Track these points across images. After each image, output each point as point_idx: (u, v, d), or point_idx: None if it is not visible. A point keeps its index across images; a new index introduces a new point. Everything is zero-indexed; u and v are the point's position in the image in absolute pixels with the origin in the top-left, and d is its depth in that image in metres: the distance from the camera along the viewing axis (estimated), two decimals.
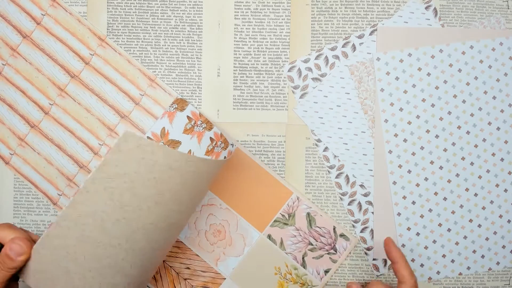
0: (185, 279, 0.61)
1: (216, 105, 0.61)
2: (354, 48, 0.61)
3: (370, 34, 0.60)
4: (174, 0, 0.61)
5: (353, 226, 0.60)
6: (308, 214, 0.60)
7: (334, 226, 0.60)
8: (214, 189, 0.61)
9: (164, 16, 0.61)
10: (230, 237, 0.61)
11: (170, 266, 0.61)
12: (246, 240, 0.61)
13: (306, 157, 0.61)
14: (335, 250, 0.60)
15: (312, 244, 0.60)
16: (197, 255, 0.61)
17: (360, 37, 0.60)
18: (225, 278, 0.60)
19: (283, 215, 0.60)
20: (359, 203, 0.60)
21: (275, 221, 0.60)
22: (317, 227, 0.60)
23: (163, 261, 0.60)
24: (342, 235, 0.60)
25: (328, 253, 0.60)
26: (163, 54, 0.61)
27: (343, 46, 0.61)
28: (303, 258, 0.60)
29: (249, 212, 0.61)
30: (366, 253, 0.60)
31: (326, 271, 0.60)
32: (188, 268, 0.61)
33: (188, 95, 0.61)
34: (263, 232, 0.60)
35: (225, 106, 0.61)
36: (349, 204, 0.60)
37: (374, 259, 0.60)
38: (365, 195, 0.60)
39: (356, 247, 0.60)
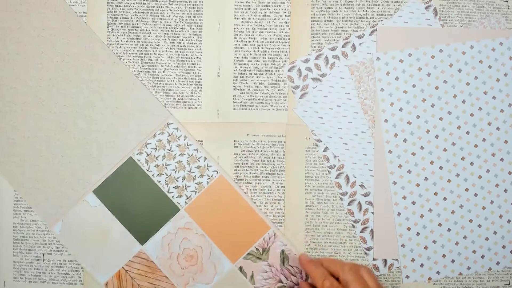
0: None
1: (216, 105, 0.61)
2: (354, 48, 0.61)
3: (370, 34, 0.60)
4: (174, 0, 0.61)
5: (353, 226, 0.60)
6: (283, 251, 0.60)
7: None
8: (192, 213, 0.60)
9: (164, 16, 0.61)
10: (201, 264, 0.60)
11: (138, 284, 0.60)
12: (217, 269, 0.60)
13: (306, 157, 0.61)
14: None
15: (281, 282, 0.60)
16: (166, 277, 0.60)
17: (360, 37, 0.60)
18: None
19: (257, 249, 0.60)
20: (359, 203, 0.60)
21: (248, 254, 0.60)
22: (290, 265, 0.60)
23: (132, 278, 0.60)
24: None
25: None
26: (163, 54, 0.61)
27: (343, 46, 0.61)
28: None
29: (224, 241, 0.60)
30: (366, 253, 0.60)
31: None
32: None
33: (188, 95, 0.61)
34: (235, 263, 0.60)
35: (225, 106, 0.61)
36: (349, 204, 0.60)
37: (374, 259, 0.60)
38: (365, 195, 0.60)
39: (356, 247, 0.60)
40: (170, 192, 0.61)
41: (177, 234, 0.60)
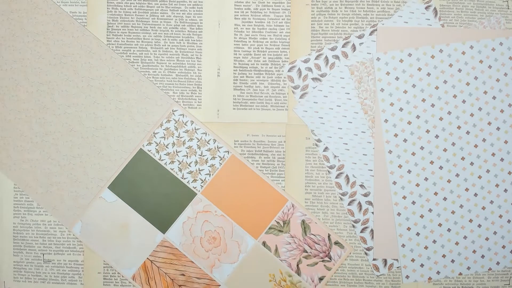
0: (180, 286, 0.61)
1: (216, 105, 0.61)
2: (354, 48, 0.60)
3: (370, 34, 0.60)
4: (174, 0, 0.61)
5: (353, 226, 0.60)
6: (303, 221, 0.60)
7: (329, 234, 0.60)
8: (209, 196, 0.61)
9: (164, 16, 0.61)
10: (225, 244, 0.61)
11: (165, 273, 0.61)
12: (241, 247, 0.60)
13: (306, 157, 0.61)
14: (330, 258, 0.60)
15: (306, 252, 0.60)
16: (192, 261, 0.61)
17: (360, 37, 0.60)
18: (219, 285, 0.60)
19: (278, 222, 0.60)
20: (359, 203, 0.60)
21: (270, 228, 0.60)
22: (312, 234, 0.60)
23: (158, 267, 0.61)
24: (336, 243, 0.60)
25: (322, 261, 0.60)
26: (163, 54, 0.61)
27: (343, 46, 0.61)
28: (297, 265, 0.60)
29: (244, 219, 0.60)
30: (366, 253, 0.60)
31: (321, 279, 0.60)
32: (183, 274, 0.61)
33: (188, 95, 0.61)
34: (258, 239, 0.60)
35: (225, 106, 0.61)
36: (349, 204, 0.60)
37: (374, 259, 0.60)
38: (365, 195, 0.60)
39: (356, 247, 0.60)
40: (184, 178, 0.61)
41: (197, 218, 0.61)
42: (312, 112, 0.60)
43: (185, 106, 0.61)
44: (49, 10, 0.60)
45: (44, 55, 0.60)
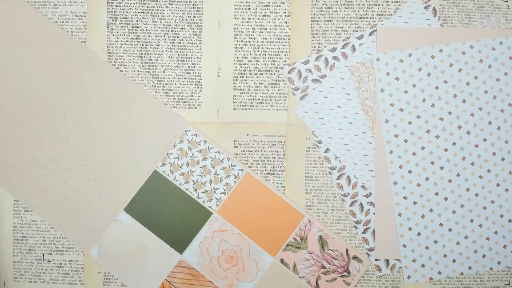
0: None
1: (216, 105, 0.61)
2: (353, 49, 0.60)
3: (370, 34, 0.60)
4: (174, 0, 0.61)
5: (355, 227, 0.60)
6: (321, 237, 0.60)
7: (346, 249, 0.60)
8: (225, 215, 0.60)
9: (164, 16, 0.61)
10: (243, 263, 0.60)
11: None
12: (259, 265, 0.60)
13: (306, 157, 0.61)
14: (348, 273, 0.60)
15: (325, 267, 0.60)
16: (211, 281, 0.60)
17: (359, 37, 0.60)
18: None
19: (295, 239, 0.60)
20: (361, 204, 0.60)
21: (287, 245, 0.60)
22: (330, 250, 0.60)
23: None
24: (355, 257, 0.60)
25: (341, 276, 0.60)
26: (163, 54, 0.61)
27: (342, 47, 0.61)
28: (316, 281, 0.60)
29: (261, 236, 0.60)
30: (368, 254, 0.60)
31: None
32: None
33: (188, 95, 0.61)
34: (275, 256, 0.60)
35: (225, 106, 0.61)
36: (350, 205, 0.60)
37: (376, 260, 0.60)
38: (367, 196, 0.60)
39: (356, 247, 0.60)
40: (199, 198, 0.61)
41: (213, 238, 0.61)
42: (312, 113, 0.60)
43: (185, 106, 0.61)
44: (56, 36, 0.61)
45: (54, 81, 0.60)
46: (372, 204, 0.60)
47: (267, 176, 0.61)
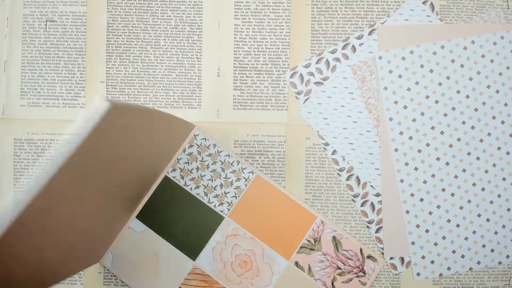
0: None
1: (216, 105, 0.60)
2: (354, 49, 0.61)
3: (369, 34, 0.61)
4: (174, 0, 0.60)
5: (368, 227, 0.59)
6: (334, 237, 0.59)
7: (360, 248, 0.59)
8: (237, 219, 0.59)
9: (164, 16, 0.60)
10: (257, 267, 0.59)
11: None
12: (273, 269, 0.59)
13: (306, 157, 0.60)
14: (364, 273, 0.59)
15: (340, 268, 0.59)
16: (225, 287, 0.59)
17: (359, 37, 0.61)
18: None
19: (308, 241, 0.59)
20: (372, 203, 0.59)
21: (301, 247, 0.59)
22: (344, 250, 0.59)
23: None
24: (369, 257, 0.59)
25: (357, 276, 0.59)
26: (163, 54, 0.60)
27: (343, 48, 0.61)
28: (332, 283, 0.59)
29: (274, 239, 0.59)
30: (382, 253, 0.59)
31: None
32: None
33: (188, 95, 0.60)
34: (290, 259, 0.59)
35: (225, 106, 0.60)
36: (361, 205, 0.59)
37: (391, 258, 0.59)
38: (377, 195, 0.59)
39: (370, 247, 0.59)
40: (211, 202, 0.59)
41: (226, 243, 0.59)
42: (316, 113, 0.60)
43: (185, 106, 0.60)
44: None
45: None
46: None
47: (267, 176, 0.60)
